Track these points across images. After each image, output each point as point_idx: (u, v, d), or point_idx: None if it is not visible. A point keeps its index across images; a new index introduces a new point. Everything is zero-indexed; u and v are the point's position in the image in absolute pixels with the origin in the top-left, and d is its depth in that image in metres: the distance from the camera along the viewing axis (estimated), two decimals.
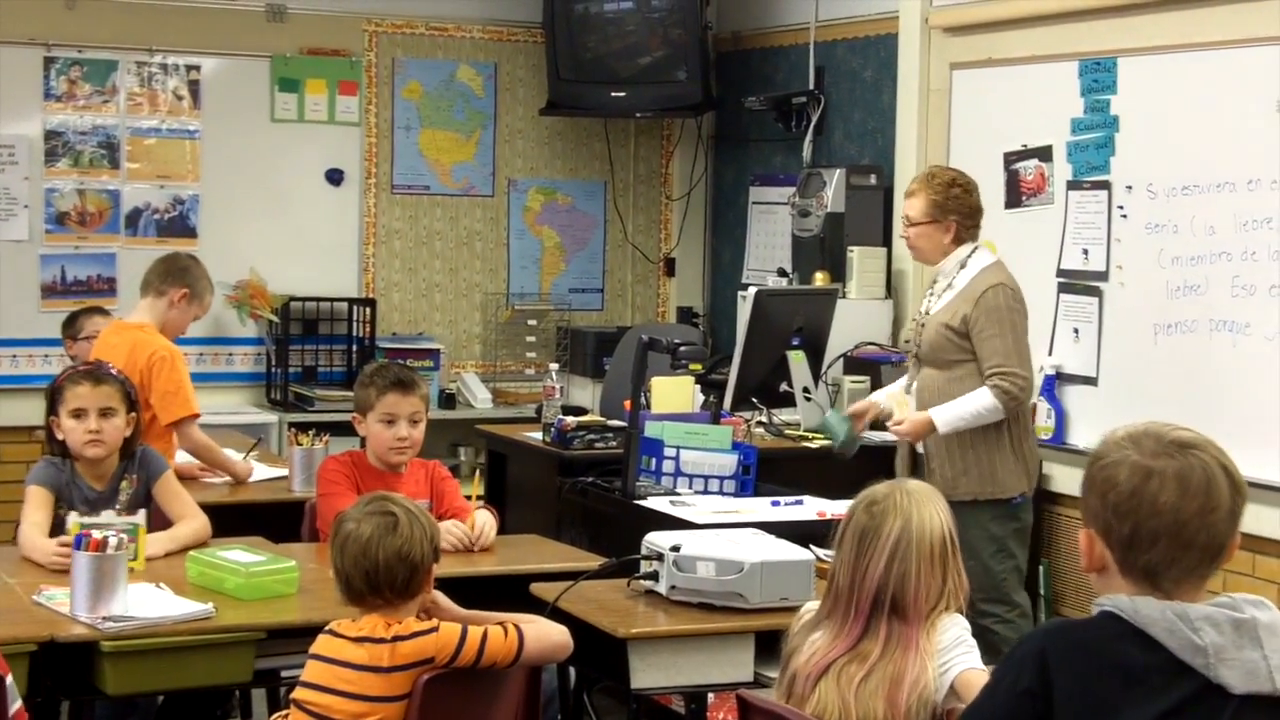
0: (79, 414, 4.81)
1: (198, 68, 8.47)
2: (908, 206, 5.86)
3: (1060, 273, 6.75)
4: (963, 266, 5.79)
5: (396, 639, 3.54)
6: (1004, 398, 5.60)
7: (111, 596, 3.98)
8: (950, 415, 5.68)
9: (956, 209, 5.76)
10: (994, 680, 2.58)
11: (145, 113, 8.39)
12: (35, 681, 3.86)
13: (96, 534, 4.03)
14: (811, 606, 3.54)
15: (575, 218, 9.37)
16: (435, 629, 3.59)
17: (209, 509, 5.37)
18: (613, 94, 8.89)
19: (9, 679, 3.42)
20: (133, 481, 4.91)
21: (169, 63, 8.40)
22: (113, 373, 4.98)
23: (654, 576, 4.35)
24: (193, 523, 4.94)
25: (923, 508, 3.40)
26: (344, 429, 6.05)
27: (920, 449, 5.85)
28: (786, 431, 6.85)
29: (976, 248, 5.83)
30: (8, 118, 8.15)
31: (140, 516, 4.59)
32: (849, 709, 3.26)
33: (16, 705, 3.48)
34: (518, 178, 9.22)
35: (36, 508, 4.74)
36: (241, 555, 4.40)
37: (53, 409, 4.85)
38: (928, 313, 5.85)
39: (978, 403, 5.63)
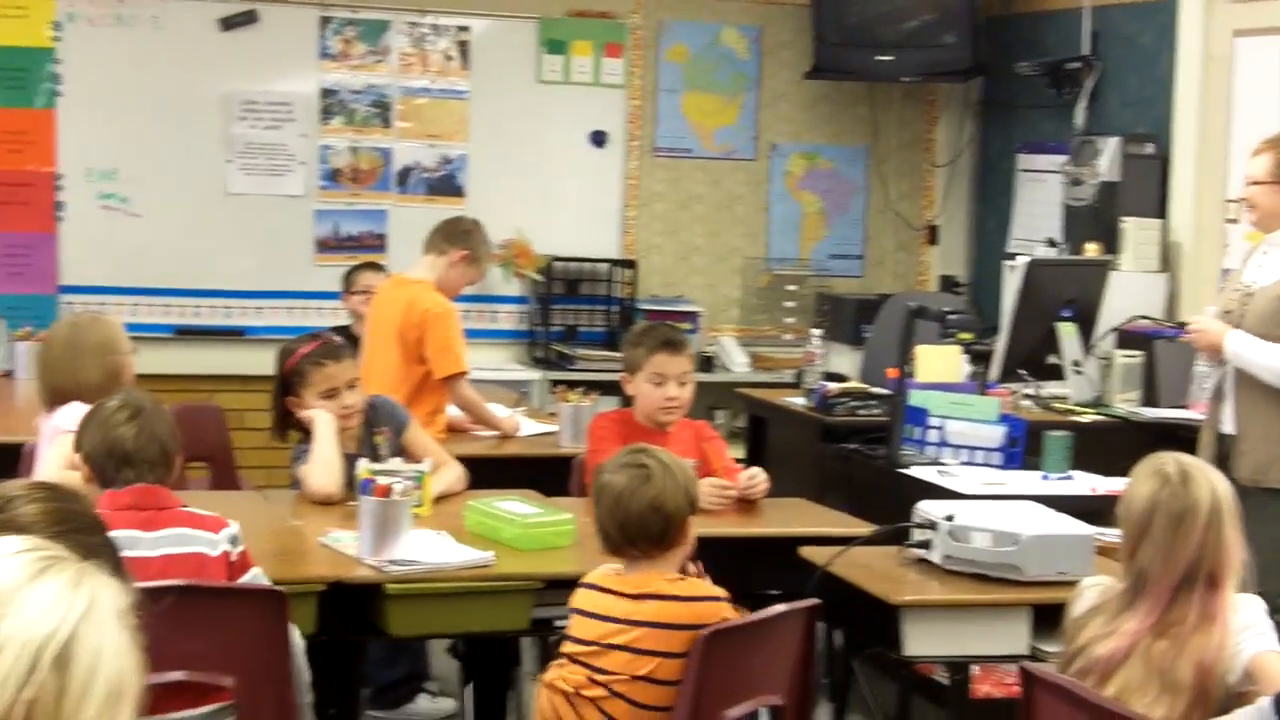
0: (331, 393, 4.89)
1: (467, 29, 8.59)
2: (1252, 166, 5.53)
3: None
4: None
5: (689, 599, 3.57)
6: None
7: (396, 541, 4.07)
8: (1249, 350, 5.26)
9: None
10: None
11: (416, 73, 8.54)
12: (323, 620, 3.97)
13: (382, 480, 4.12)
14: (1092, 582, 3.49)
15: (837, 183, 9.32)
16: (725, 599, 3.61)
17: (478, 462, 5.48)
18: (878, 58, 8.81)
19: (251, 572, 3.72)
20: (385, 434, 5.00)
21: (440, 24, 8.54)
22: (340, 343, 5.07)
23: (926, 545, 4.31)
24: (454, 468, 5.04)
25: (1212, 472, 3.35)
26: (603, 388, 6.13)
27: (1228, 429, 5.53)
28: (1054, 405, 6.73)
29: None
30: (285, 76, 8.36)
31: (427, 464, 4.68)
32: (1154, 683, 3.20)
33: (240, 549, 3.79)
34: (780, 142, 9.19)
35: None
36: (518, 507, 4.46)
37: (289, 390, 4.91)
38: (1253, 283, 5.54)
39: None
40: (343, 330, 7.14)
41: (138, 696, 1.83)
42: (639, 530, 3.64)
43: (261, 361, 8.12)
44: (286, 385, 4.91)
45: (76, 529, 2.54)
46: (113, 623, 1.82)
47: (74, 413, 4.79)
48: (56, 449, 4.72)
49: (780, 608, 3.76)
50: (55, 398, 4.91)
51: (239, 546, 3.80)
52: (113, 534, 3.57)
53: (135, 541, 3.65)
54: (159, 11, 8.11)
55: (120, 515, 3.71)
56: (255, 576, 3.81)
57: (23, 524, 2.53)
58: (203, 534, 3.76)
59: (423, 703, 5.75)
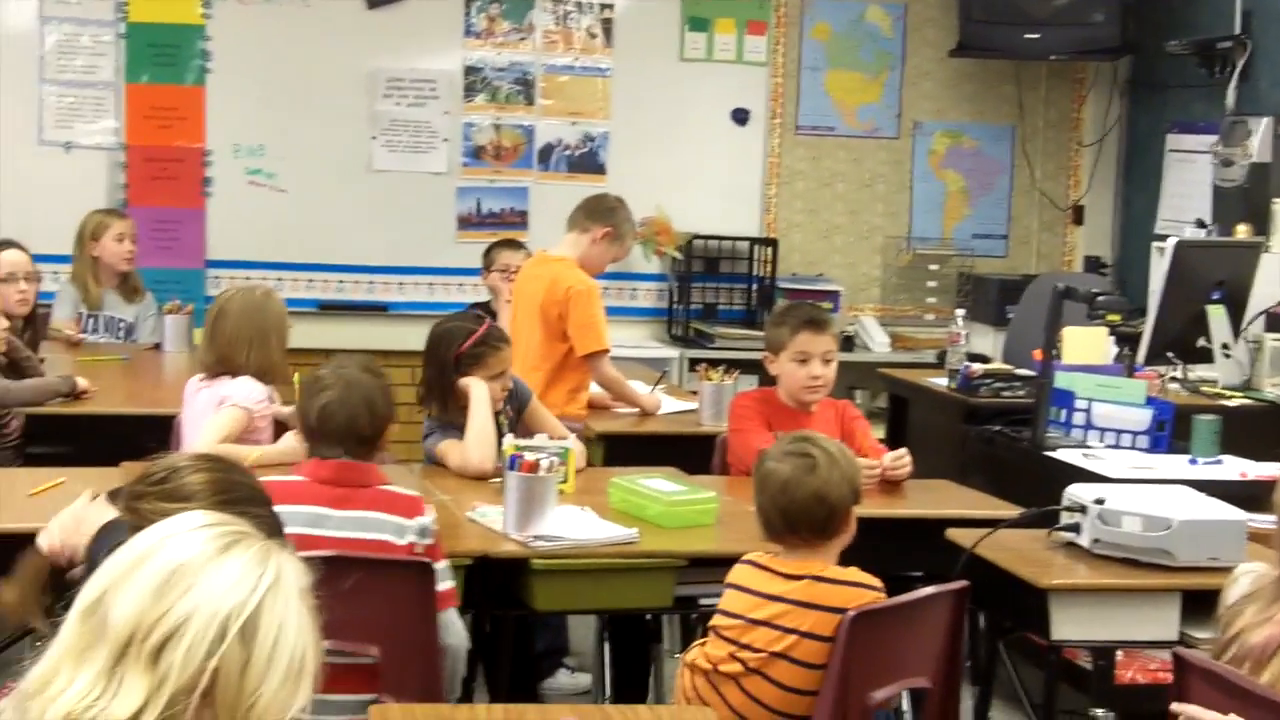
0: (499, 376, 4.95)
1: (610, 6, 8.60)
2: None
3: None
4: None
5: (843, 582, 3.56)
6: None
7: (541, 517, 4.09)
8: None
9: None
10: None
11: (559, 50, 8.56)
12: (469, 594, 4.00)
13: (529, 456, 4.14)
14: (1246, 569, 3.42)
15: (981, 162, 9.22)
16: (880, 590, 3.59)
17: (619, 439, 5.50)
18: (1025, 36, 8.70)
19: (441, 564, 3.72)
20: (507, 413, 5.02)
21: (583, 1, 8.55)
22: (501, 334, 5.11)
23: (1075, 529, 4.26)
24: (577, 444, 5.06)
25: None
26: (742, 366, 6.12)
27: None
28: (1203, 388, 6.63)
29: None
30: (430, 54, 8.42)
31: (571, 440, 4.70)
32: None
33: (447, 585, 3.77)
34: (923, 120, 9.12)
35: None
36: (663, 484, 4.47)
37: (458, 369, 4.93)
38: None
39: None
40: (483, 306, 7.21)
41: (316, 673, 1.87)
42: (802, 518, 3.64)
43: (403, 336, 8.26)
44: (456, 365, 4.92)
45: (239, 500, 2.58)
46: (295, 599, 1.87)
47: (246, 387, 4.87)
48: (222, 419, 4.81)
49: (929, 590, 3.74)
50: (223, 369, 5.00)
51: (427, 539, 3.82)
52: (300, 509, 3.65)
53: (321, 519, 3.71)
54: None
55: (315, 489, 3.78)
56: (442, 571, 3.83)
57: (187, 493, 2.58)
58: (392, 519, 3.80)
59: (562, 677, 5.78)
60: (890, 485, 4.98)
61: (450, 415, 4.95)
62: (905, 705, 4.36)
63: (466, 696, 4.37)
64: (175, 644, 1.80)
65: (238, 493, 2.59)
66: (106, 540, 2.71)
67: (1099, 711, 4.38)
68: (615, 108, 8.63)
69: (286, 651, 1.84)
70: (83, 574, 2.54)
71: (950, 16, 8.92)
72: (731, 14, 8.73)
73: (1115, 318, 5.84)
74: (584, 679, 5.81)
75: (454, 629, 3.85)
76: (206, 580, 1.84)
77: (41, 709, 1.82)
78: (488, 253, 7.38)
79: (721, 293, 8.82)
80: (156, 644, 1.80)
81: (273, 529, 2.50)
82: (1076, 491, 4.34)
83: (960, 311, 7.27)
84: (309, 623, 1.89)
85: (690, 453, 5.44)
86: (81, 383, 5.79)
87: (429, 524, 3.83)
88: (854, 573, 3.63)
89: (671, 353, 8.44)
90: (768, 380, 5.32)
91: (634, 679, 5.20)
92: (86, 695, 1.81)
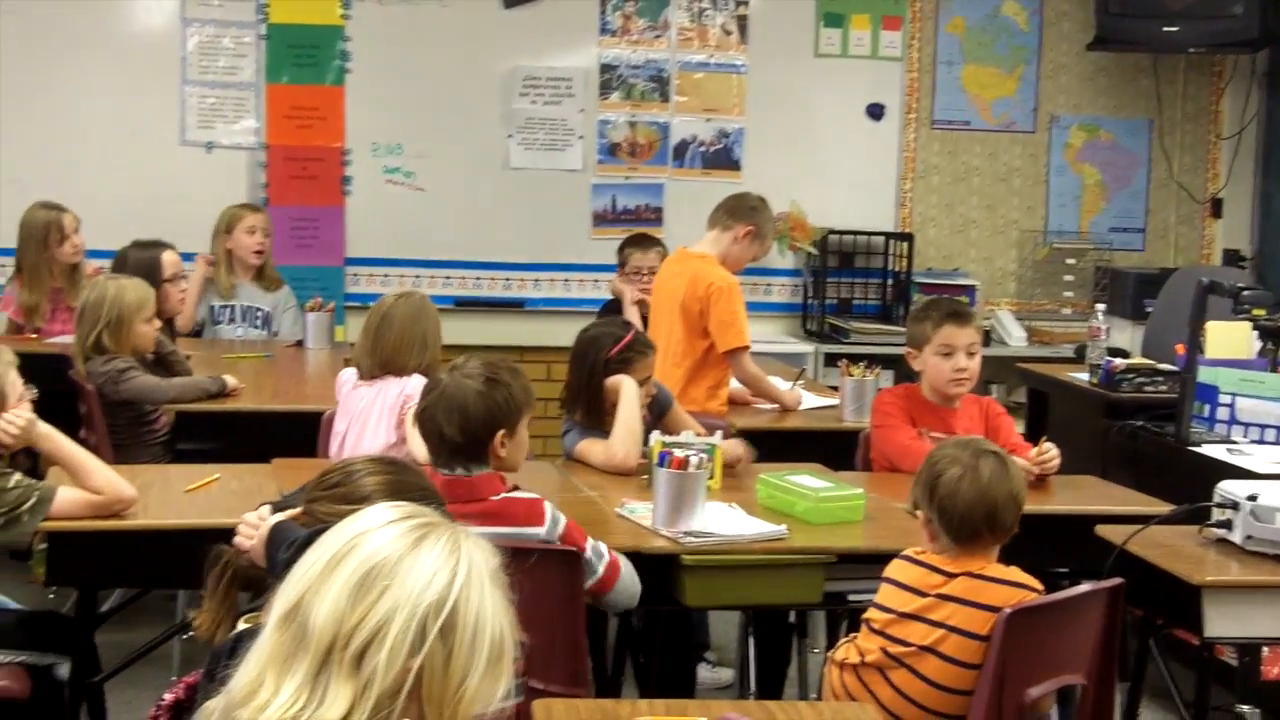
0: (647, 380, 4.99)
1: (746, 3, 8.60)
2: None
3: None
4: None
5: (1002, 581, 3.56)
6: None
7: (691, 513, 4.11)
8: None
9: None
10: None
11: (695, 48, 8.58)
12: None
13: (678, 453, 4.16)
14: None
15: (1118, 155, 9.13)
16: (1039, 591, 3.58)
17: (760, 436, 5.50)
18: (1164, 29, 8.60)
19: (589, 547, 3.76)
20: (646, 418, 5.03)
21: None
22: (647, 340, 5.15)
23: (1227, 525, 4.23)
24: (738, 444, 5.08)
25: None
26: (878, 362, 6.12)
27: None
28: None
29: None
30: (566, 52, 8.47)
31: (718, 437, 4.72)
32: None
33: (605, 562, 3.82)
34: (1060, 114, 9.05)
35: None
36: (810, 480, 4.47)
37: (606, 375, 4.96)
38: None
39: None
40: (619, 303, 7.26)
41: (514, 655, 1.88)
42: (998, 520, 3.62)
43: (538, 333, 8.36)
44: (604, 370, 4.96)
45: (413, 501, 2.61)
46: (489, 584, 1.88)
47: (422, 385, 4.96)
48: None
49: (1085, 586, 3.73)
50: (387, 370, 5.09)
51: (559, 528, 3.82)
52: None
53: None
54: None
55: None
56: (593, 553, 3.85)
57: (363, 495, 2.62)
58: (513, 531, 3.72)
59: (702, 672, 5.79)
60: (1037, 480, 4.95)
61: (595, 419, 4.98)
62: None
63: (615, 690, 4.41)
64: (377, 647, 1.81)
65: (411, 495, 2.62)
66: (281, 540, 2.75)
67: (1245, 708, 4.33)
68: (750, 104, 8.63)
69: (486, 639, 1.86)
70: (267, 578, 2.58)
71: (1086, 10, 8.84)
72: (867, 9, 8.70)
73: (1260, 312, 5.77)
74: (725, 673, 5.83)
75: (627, 592, 3.89)
76: (402, 579, 1.84)
77: (250, 719, 1.85)
78: (621, 249, 7.42)
79: (856, 288, 8.80)
80: (358, 649, 1.82)
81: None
82: (1228, 488, 4.30)
83: (1100, 306, 7.21)
84: (503, 605, 1.90)
85: (831, 449, 5.46)
86: (231, 381, 5.88)
87: (553, 521, 3.81)
88: (1014, 572, 3.62)
89: (806, 348, 8.43)
90: (903, 375, 5.32)
91: (775, 674, 5.21)
92: (293, 704, 1.82)
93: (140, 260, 6.53)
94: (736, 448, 4.98)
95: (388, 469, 2.78)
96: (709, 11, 8.55)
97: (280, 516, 2.88)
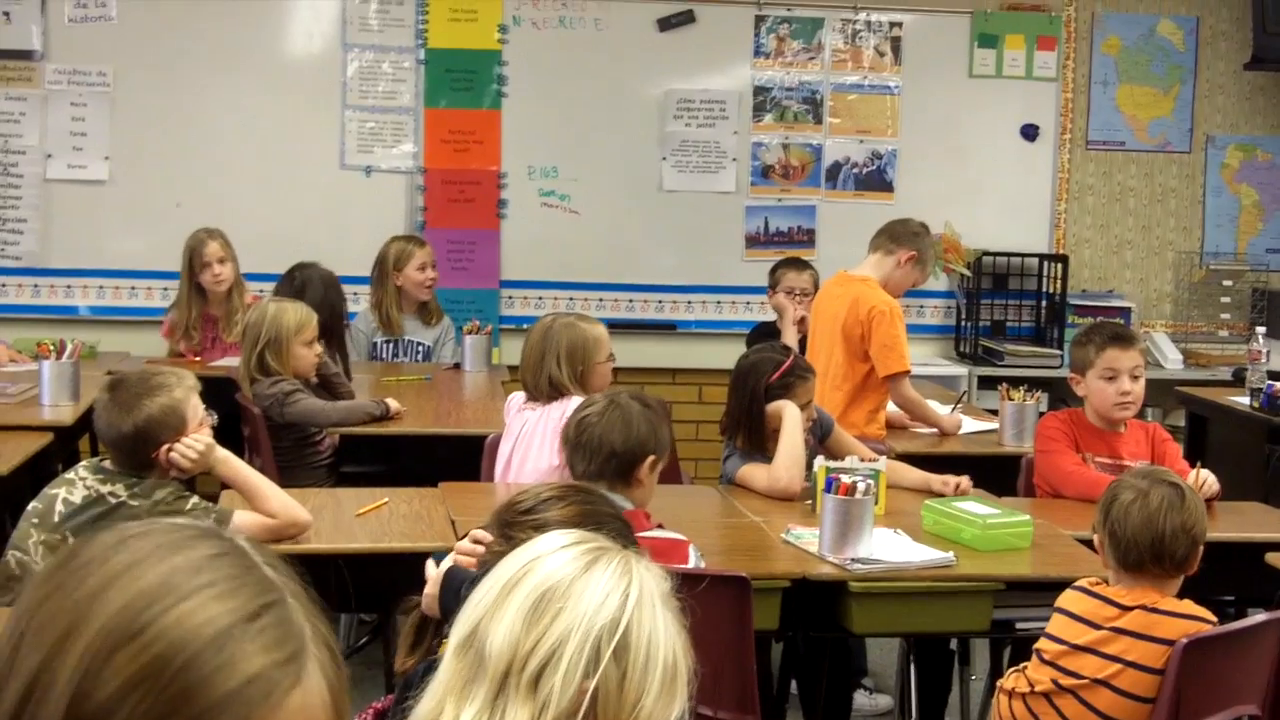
0: (808, 404, 5.01)
1: (899, 24, 8.59)
2: None
3: None
4: None
5: (1178, 615, 3.54)
6: None
7: (858, 539, 4.12)
8: None
9: None
10: None
11: (848, 69, 8.58)
12: (785, 616, 4.04)
13: (845, 478, 4.17)
14: None
15: (1276, 175, 9.01)
16: (1208, 620, 3.56)
17: (919, 460, 5.49)
18: None
19: None
20: (809, 442, 5.04)
21: (872, 20, 8.56)
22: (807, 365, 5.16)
23: None
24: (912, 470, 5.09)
25: None
26: (1034, 384, 6.09)
27: None
28: None
29: None
30: (720, 74, 8.50)
31: (882, 463, 4.73)
32: None
33: None
34: (1216, 134, 8.95)
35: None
36: (976, 507, 4.47)
37: (769, 396, 4.99)
38: None
39: None
40: (769, 325, 7.27)
41: (690, 677, 1.91)
42: (1168, 551, 3.60)
43: (690, 355, 8.40)
44: (765, 396, 4.99)
45: (606, 530, 2.65)
46: (661, 606, 1.91)
47: None
48: None
49: (1261, 616, 3.70)
50: (557, 393, 5.14)
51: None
52: None
53: None
54: (600, 13, 8.34)
55: None
56: None
57: (550, 523, 2.66)
58: None
59: (860, 699, 5.79)
60: None
61: (756, 444, 5.00)
62: None
63: (780, 716, 4.43)
64: (553, 670, 1.84)
65: (603, 525, 2.65)
66: (453, 583, 2.80)
67: None
68: (903, 125, 8.62)
69: (660, 661, 1.88)
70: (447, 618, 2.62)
71: (1243, 30, 8.75)
72: (1021, 29, 8.66)
73: None
74: (883, 700, 5.82)
75: None
76: (575, 601, 1.87)
77: None
78: (773, 271, 7.44)
79: (1010, 309, 8.74)
80: (534, 672, 1.84)
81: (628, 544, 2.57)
82: None
83: (1261, 329, 7.13)
84: (676, 627, 1.93)
85: (990, 473, 5.43)
86: (394, 405, 5.95)
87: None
88: (1188, 605, 3.60)
89: (960, 370, 8.39)
90: (1058, 397, 5.29)
91: (936, 702, 5.20)
92: None
93: (325, 276, 6.62)
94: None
95: (581, 498, 2.82)
96: (863, 33, 8.55)
97: (448, 562, 2.92)
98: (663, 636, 1.90)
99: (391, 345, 7.47)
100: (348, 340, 6.99)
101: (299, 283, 6.57)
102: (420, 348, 7.50)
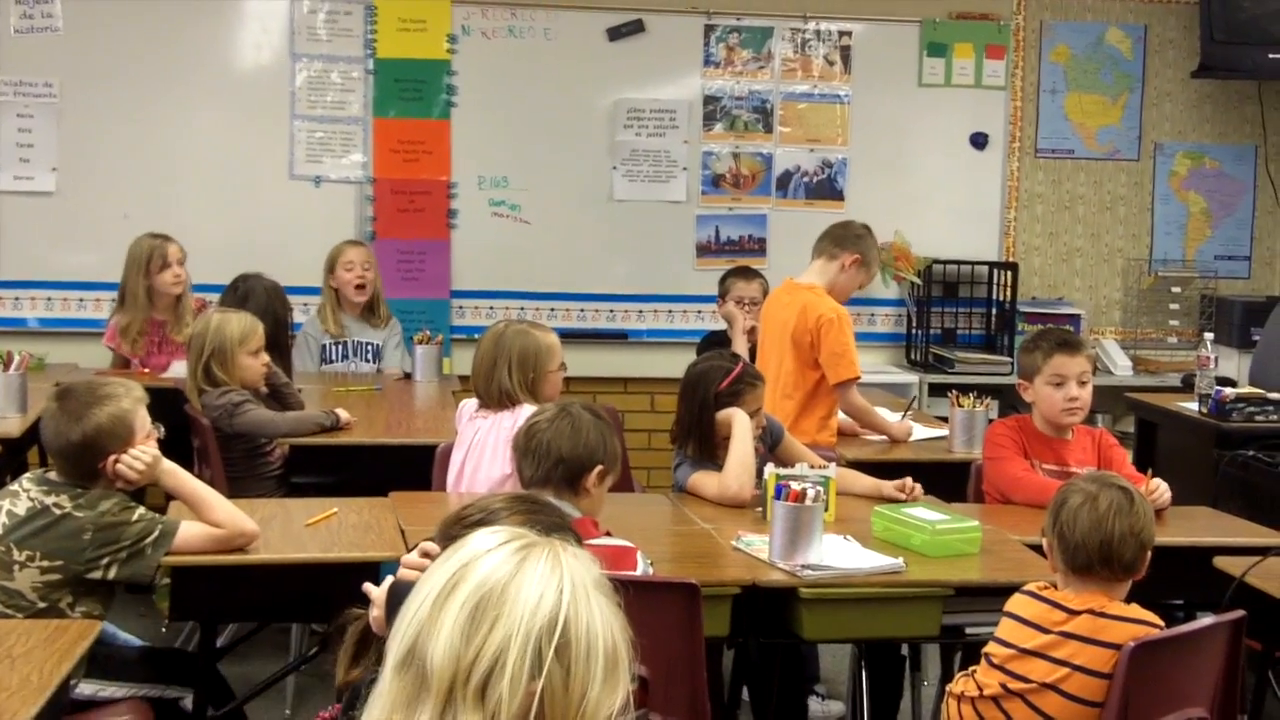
0: (756, 413, 5.02)
1: (849, 33, 8.61)
2: None
3: None
4: None
5: (1125, 619, 3.55)
6: None
7: (808, 546, 4.12)
8: None
9: None
10: None
11: (798, 78, 8.60)
12: (736, 623, 4.04)
13: (795, 485, 4.17)
14: None
15: (1223, 183, 9.07)
16: (1155, 624, 3.57)
17: (869, 467, 5.50)
18: (1269, 55, 8.53)
19: None
20: (759, 450, 5.05)
21: (821, 29, 8.58)
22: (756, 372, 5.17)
23: None
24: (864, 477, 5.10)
25: None
26: (983, 391, 6.11)
27: None
28: None
29: None
30: (670, 83, 8.51)
31: (832, 469, 4.74)
32: None
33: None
34: (1164, 141, 9.00)
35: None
36: (926, 513, 4.48)
37: (716, 408, 4.99)
38: None
39: None
40: (720, 334, 7.29)
41: (631, 660, 1.91)
42: (1116, 555, 3.62)
43: (642, 364, 8.40)
44: (715, 403, 4.99)
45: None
46: (594, 593, 1.90)
47: None
48: None
49: (1207, 620, 3.71)
50: (506, 402, 5.13)
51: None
52: None
53: None
54: (550, 23, 8.34)
55: None
56: None
57: None
58: None
59: (813, 705, 5.79)
60: None
61: (707, 452, 5.01)
62: None
63: None
64: (498, 677, 1.83)
65: (549, 532, 2.64)
66: (397, 599, 2.78)
67: None
68: (853, 134, 8.64)
69: (600, 651, 1.87)
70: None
71: (1191, 38, 8.80)
72: (970, 38, 8.70)
73: None
74: (835, 706, 5.82)
75: None
76: (510, 605, 1.86)
77: None
78: (722, 281, 7.46)
79: (960, 317, 8.78)
80: (480, 682, 1.83)
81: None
82: None
83: (1209, 335, 7.17)
84: (611, 611, 1.91)
85: (940, 480, 5.44)
86: (344, 415, 5.94)
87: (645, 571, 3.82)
88: (1135, 609, 3.61)
89: (910, 378, 8.41)
90: (1008, 404, 5.31)
91: (888, 707, 5.21)
92: None
93: (269, 286, 6.61)
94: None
95: (529, 508, 2.81)
96: (812, 42, 8.57)
97: (392, 579, 2.90)
98: (600, 625, 1.89)
99: (340, 347, 7.46)
100: (294, 349, 6.98)
101: (242, 293, 6.56)
102: (369, 347, 7.48)
